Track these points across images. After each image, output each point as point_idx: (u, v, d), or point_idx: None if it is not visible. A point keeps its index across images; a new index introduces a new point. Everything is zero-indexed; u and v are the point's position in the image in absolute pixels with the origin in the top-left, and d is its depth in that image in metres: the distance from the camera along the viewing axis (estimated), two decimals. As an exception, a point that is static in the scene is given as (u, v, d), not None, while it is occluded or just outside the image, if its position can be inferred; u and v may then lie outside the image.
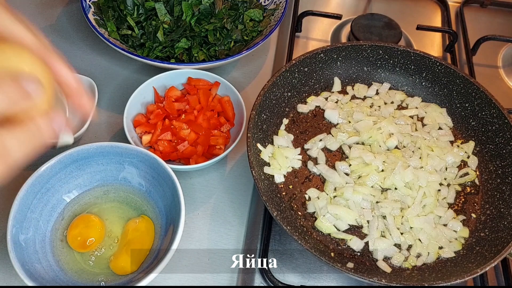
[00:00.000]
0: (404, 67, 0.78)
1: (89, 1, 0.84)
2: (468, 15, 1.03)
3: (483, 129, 0.72)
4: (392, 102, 0.77)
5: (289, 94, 0.74)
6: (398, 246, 0.62)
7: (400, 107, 0.77)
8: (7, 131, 0.37)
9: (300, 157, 0.70)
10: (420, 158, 0.69)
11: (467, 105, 0.74)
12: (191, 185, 0.71)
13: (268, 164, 0.67)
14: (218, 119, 0.74)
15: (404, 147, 0.71)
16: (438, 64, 0.75)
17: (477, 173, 0.70)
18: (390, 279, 0.56)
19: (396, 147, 0.71)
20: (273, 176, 0.67)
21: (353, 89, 0.79)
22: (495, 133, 0.71)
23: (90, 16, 0.81)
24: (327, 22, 1.01)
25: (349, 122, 0.74)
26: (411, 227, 0.63)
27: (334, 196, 0.65)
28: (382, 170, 0.67)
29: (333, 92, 0.78)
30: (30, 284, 0.51)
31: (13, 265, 0.52)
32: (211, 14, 0.85)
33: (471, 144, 0.73)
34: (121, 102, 0.77)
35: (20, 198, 0.56)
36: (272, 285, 0.62)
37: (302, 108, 0.75)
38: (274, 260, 0.65)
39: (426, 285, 0.54)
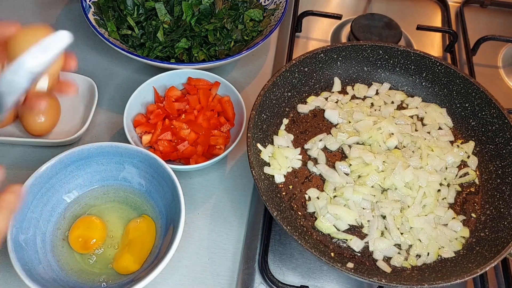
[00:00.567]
0: (404, 67, 0.78)
1: (89, 1, 0.84)
2: (468, 15, 1.03)
3: (483, 129, 0.72)
4: (392, 102, 0.77)
5: (289, 94, 0.74)
6: (398, 246, 0.62)
7: (400, 107, 0.77)
8: None
9: (300, 157, 0.70)
10: (420, 158, 0.69)
11: (467, 105, 0.74)
12: (191, 185, 0.71)
13: (268, 164, 0.67)
14: (218, 119, 0.74)
15: (404, 147, 0.71)
16: (438, 64, 0.75)
17: (477, 173, 0.70)
18: (390, 279, 0.56)
19: (396, 147, 0.71)
20: (273, 176, 0.67)
21: (353, 89, 0.79)
22: (495, 133, 0.71)
23: (90, 16, 0.81)
24: (327, 22, 1.01)
25: (349, 122, 0.74)
26: (411, 227, 0.63)
27: (334, 196, 0.65)
28: (382, 170, 0.67)
29: (333, 92, 0.78)
30: (30, 284, 0.51)
31: (13, 265, 0.52)
32: (211, 14, 0.85)
33: (471, 144, 0.73)
34: (121, 102, 0.77)
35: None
36: (272, 285, 0.62)
37: (302, 108, 0.75)
38: (274, 260, 0.65)
39: (426, 285, 0.54)
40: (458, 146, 0.73)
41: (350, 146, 0.71)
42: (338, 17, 0.96)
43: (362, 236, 0.63)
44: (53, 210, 0.62)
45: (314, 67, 0.76)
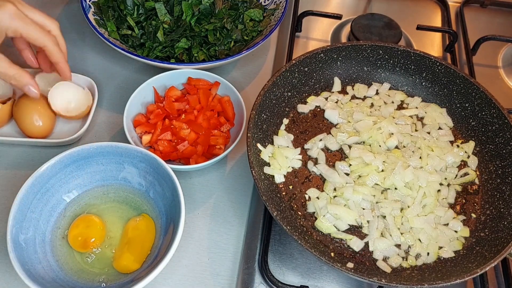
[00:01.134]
0: (404, 67, 0.78)
1: (89, 1, 0.84)
2: (468, 15, 1.03)
3: (483, 129, 0.72)
4: (392, 102, 0.77)
5: (289, 94, 0.74)
6: (398, 246, 0.62)
7: (400, 107, 0.77)
8: None
9: (300, 157, 0.70)
10: (420, 158, 0.69)
11: (467, 105, 0.74)
12: (191, 185, 0.71)
13: (268, 164, 0.67)
14: (218, 119, 0.74)
15: (404, 147, 0.71)
16: (438, 64, 0.75)
17: (477, 173, 0.70)
18: (390, 279, 0.56)
19: (396, 147, 0.71)
20: (273, 176, 0.67)
21: (353, 89, 0.79)
22: (495, 133, 0.71)
23: (90, 16, 0.81)
24: (327, 22, 1.01)
25: (349, 122, 0.74)
26: (411, 227, 0.63)
27: (334, 196, 0.65)
28: (382, 170, 0.67)
29: (333, 92, 0.78)
30: (30, 284, 0.51)
31: (13, 265, 0.52)
32: (211, 14, 0.85)
33: (471, 144, 0.73)
34: (121, 102, 0.77)
35: (20, 198, 0.56)
36: (272, 285, 0.62)
37: (302, 108, 0.75)
38: (274, 260, 0.65)
39: (426, 285, 0.54)
40: (458, 146, 0.73)
41: (350, 146, 0.71)
42: (338, 17, 0.96)
43: (362, 236, 0.63)
44: (53, 210, 0.62)
45: (314, 67, 0.76)
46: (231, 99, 0.74)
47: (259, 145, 0.66)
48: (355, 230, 0.63)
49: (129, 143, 0.66)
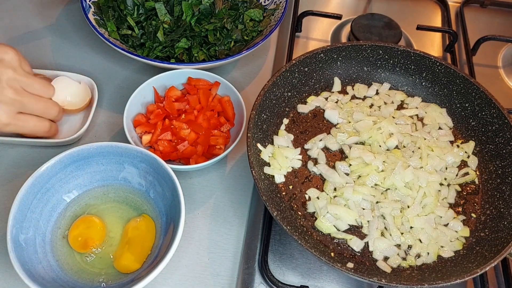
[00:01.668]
0: (404, 67, 0.78)
1: (89, 1, 0.84)
2: (468, 15, 1.03)
3: (483, 129, 0.72)
4: (392, 102, 0.77)
5: (289, 94, 0.74)
6: (398, 246, 0.62)
7: (400, 107, 0.77)
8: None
9: (300, 157, 0.70)
10: (420, 158, 0.69)
11: (467, 105, 0.74)
12: (191, 185, 0.71)
13: (268, 164, 0.67)
14: (218, 119, 0.74)
15: (404, 147, 0.71)
16: (438, 64, 0.75)
17: (477, 173, 0.70)
18: (390, 279, 0.56)
19: (396, 147, 0.71)
20: (273, 176, 0.67)
21: (353, 89, 0.79)
22: (495, 133, 0.71)
23: (90, 16, 0.81)
24: (327, 22, 1.01)
25: (349, 122, 0.74)
26: (411, 227, 0.63)
27: (334, 196, 0.65)
28: (382, 170, 0.67)
29: (333, 92, 0.78)
30: (30, 284, 0.51)
31: (13, 265, 0.52)
32: (211, 14, 0.85)
33: (471, 144, 0.73)
34: (121, 102, 0.77)
35: (20, 198, 0.56)
36: (272, 285, 0.62)
37: (302, 108, 0.75)
38: (274, 260, 0.65)
39: (426, 285, 0.54)
40: (458, 146, 0.73)
41: (350, 146, 0.71)
42: (338, 17, 0.96)
43: (362, 236, 0.63)
44: (53, 210, 0.62)
45: (314, 67, 0.76)
46: (231, 99, 0.74)
47: (259, 145, 0.66)
48: (355, 230, 0.63)
49: (129, 143, 0.66)
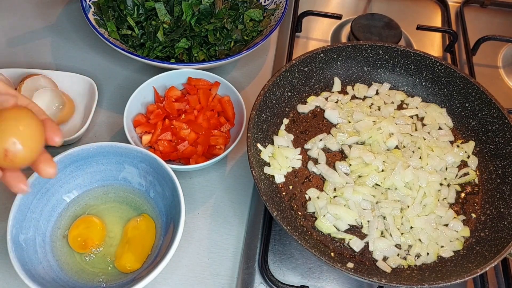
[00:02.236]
0: (404, 67, 0.78)
1: (89, 1, 0.84)
2: (468, 15, 1.03)
3: (483, 129, 0.72)
4: (392, 102, 0.77)
5: (289, 94, 0.74)
6: (398, 246, 0.62)
7: (400, 107, 0.77)
8: None
9: (300, 157, 0.70)
10: (420, 158, 0.69)
11: (467, 105, 0.74)
12: (191, 185, 0.71)
13: (268, 164, 0.67)
14: (218, 119, 0.74)
15: (404, 147, 0.71)
16: (438, 64, 0.75)
17: (477, 173, 0.70)
18: (390, 279, 0.56)
19: (396, 147, 0.71)
20: (273, 176, 0.67)
21: (353, 89, 0.79)
22: (495, 133, 0.71)
23: (90, 16, 0.81)
24: (327, 22, 1.01)
25: (349, 122, 0.74)
26: (411, 227, 0.63)
27: (334, 196, 0.65)
28: (382, 170, 0.67)
29: (333, 92, 0.78)
30: (30, 284, 0.51)
31: (13, 265, 0.52)
32: (211, 14, 0.85)
33: (471, 144, 0.73)
34: (121, 102, 0.77)
35: (20, 198, 0.56)
36: (272, 285, 0.62)
37: (302, 108, 0.75)
38: (274, 260, 0.65)
39: (426, 285, 0.54)
40: (458, 146, 0.73)
41: (350, 146, 0.71)
42: (338, 17, 0.96)
43: (362, 236, 0.63)
44: (53, 210, 0.62)
45: (314, 67, 0.76)
46: (231, 99, 0.74)
47: (259, 145, 0.66)
48: (355, 230, 0.63)
49: (129, 143, 0.66)
